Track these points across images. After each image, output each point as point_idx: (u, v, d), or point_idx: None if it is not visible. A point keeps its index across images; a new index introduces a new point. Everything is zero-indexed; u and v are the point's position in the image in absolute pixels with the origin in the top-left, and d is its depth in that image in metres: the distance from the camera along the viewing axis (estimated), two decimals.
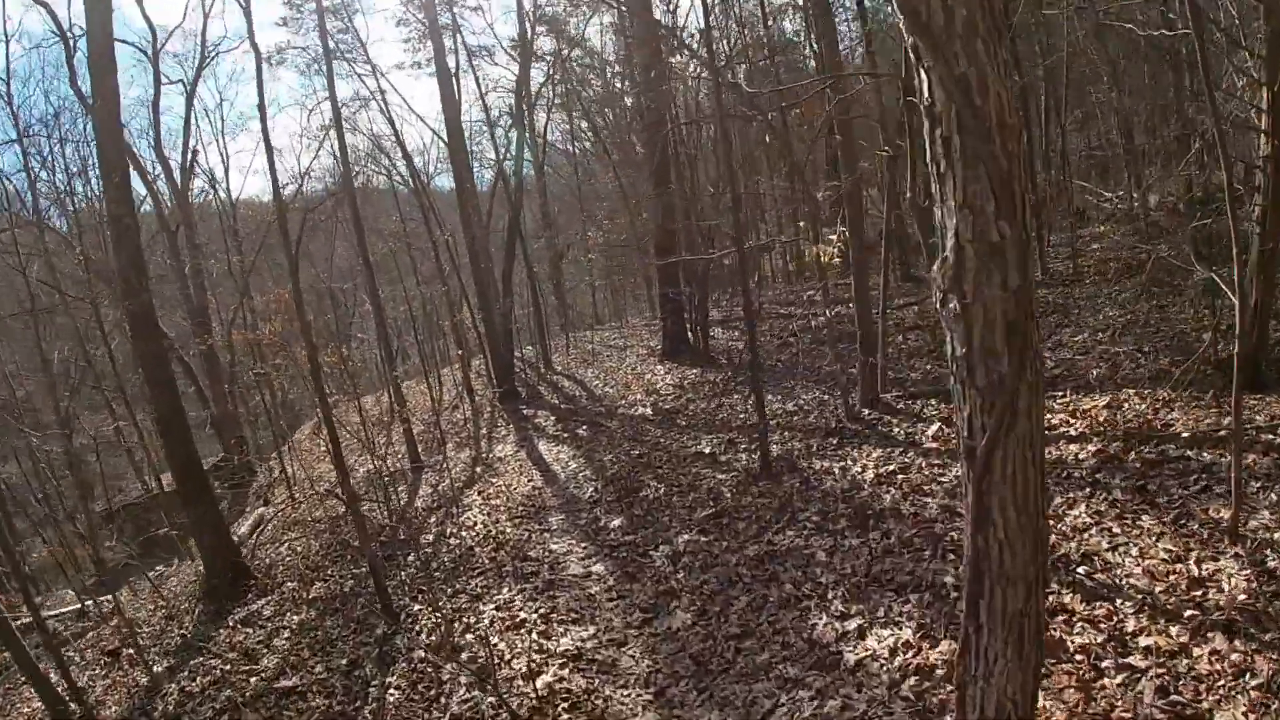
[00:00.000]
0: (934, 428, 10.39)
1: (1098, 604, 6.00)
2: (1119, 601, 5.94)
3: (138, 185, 22.61)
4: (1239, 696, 4.83)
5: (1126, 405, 9.23)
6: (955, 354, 3.36)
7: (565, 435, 16.15)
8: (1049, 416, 9.91)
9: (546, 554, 10.28)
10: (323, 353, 20.07)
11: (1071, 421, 9.51)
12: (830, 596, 7.14)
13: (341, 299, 32.57)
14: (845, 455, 10.40)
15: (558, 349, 24.90)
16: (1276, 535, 6.14)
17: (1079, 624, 5.87)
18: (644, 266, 27.33)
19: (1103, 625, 5.76)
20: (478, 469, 15.91)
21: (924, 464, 9.48)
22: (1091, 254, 17.91)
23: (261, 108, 10.93)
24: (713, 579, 8.15)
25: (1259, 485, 6.64)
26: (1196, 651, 5.23)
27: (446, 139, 20.31)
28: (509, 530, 11.52)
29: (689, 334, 19.15)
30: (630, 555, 9.43)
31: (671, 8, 21.68)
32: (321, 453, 22.75)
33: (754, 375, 10.80)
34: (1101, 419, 9.20)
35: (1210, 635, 5.31)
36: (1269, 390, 8.48)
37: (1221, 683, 4.97)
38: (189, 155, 25.42)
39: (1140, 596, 5.94)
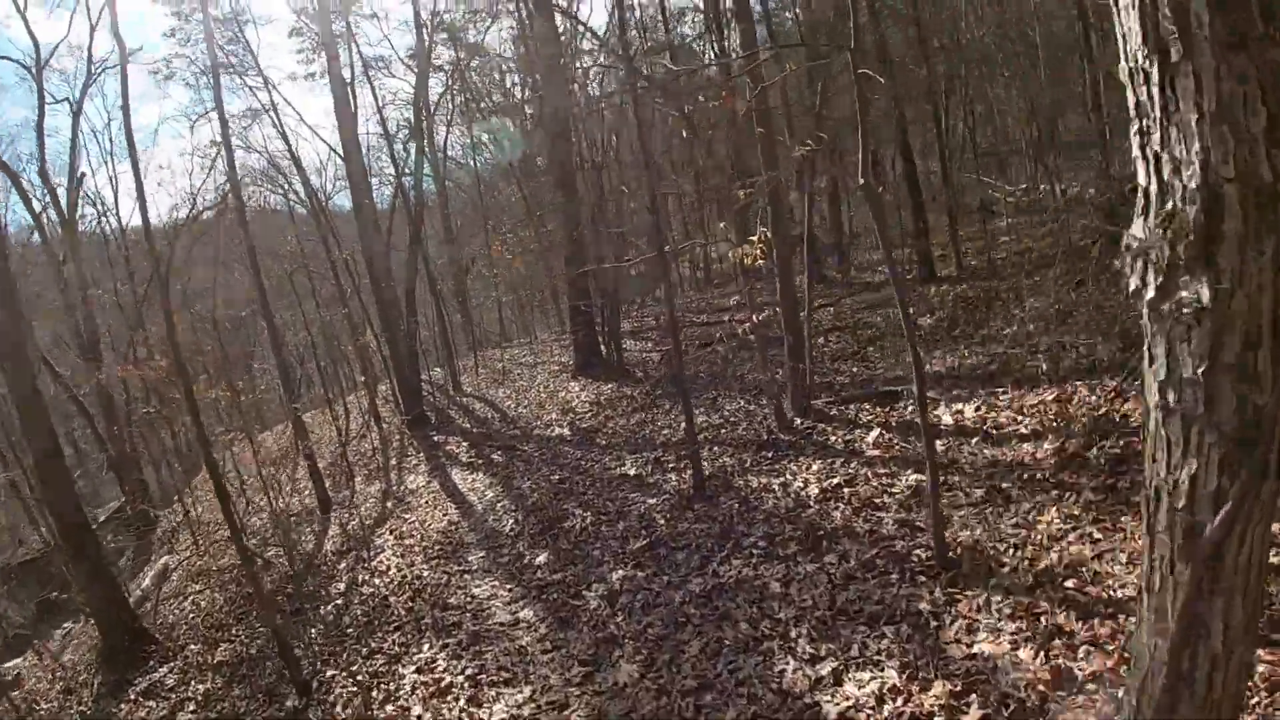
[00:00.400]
0: (874, 434, 9.66)
1: (1098, 622, 5.28)
2: (1121, 617, 5.24)
3: (24, 213, 20.68)
4: None
5: (1076, 399, 8.65)
6: (1174, 375, 2.29)
7: (480, 462, 14.99)
8: (994, 414, 9.29)
9: (469, 600, 9.15)
10: (215, 387, 18.50)
11: (1020, 419, 8.91)
12: (794, 635, 6.23)
13: (238, 327, 30.63)
14: (783, 469, 9.57)
15: (466, 369, 23.63)
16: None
17: (1082, 648, 5.12)
18: (552, 279, 26.31)
19: (1110, 647, 5.04)
20: (389, 504, 14.63)
21: (869, 474, 8.71)
22: (1002, 246, 17.68)
23: (125, 108, 9.51)
24: (657, 621, 7.17)
25: None
26: None
27: (343, 154, 18.92)
28: (426, 574, 10.34)
29: (602, 347, 18.21)
30: (561, 597, 8.37)
31: (573, 9, 20.82)
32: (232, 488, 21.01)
33: (681, 388, 9.88)
34: (1053, 414, 8.62)
35: None
36: None
37: (1257, 699, 4.34)
38: (76, 179, 23.25)
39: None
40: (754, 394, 12.88)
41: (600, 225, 16.40)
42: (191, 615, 13.01)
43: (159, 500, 25.30)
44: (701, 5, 20.78)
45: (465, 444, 16.54)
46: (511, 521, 11.27)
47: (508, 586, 9.22)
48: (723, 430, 11.66)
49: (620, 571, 8.35)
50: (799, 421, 10.81)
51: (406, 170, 22.70)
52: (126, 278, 25.51)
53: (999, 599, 5.85)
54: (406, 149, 22.84)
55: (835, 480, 8.78)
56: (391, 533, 12.71)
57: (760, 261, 9.14)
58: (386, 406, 22.60)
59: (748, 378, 13.61)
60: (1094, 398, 8.51)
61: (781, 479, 9.29)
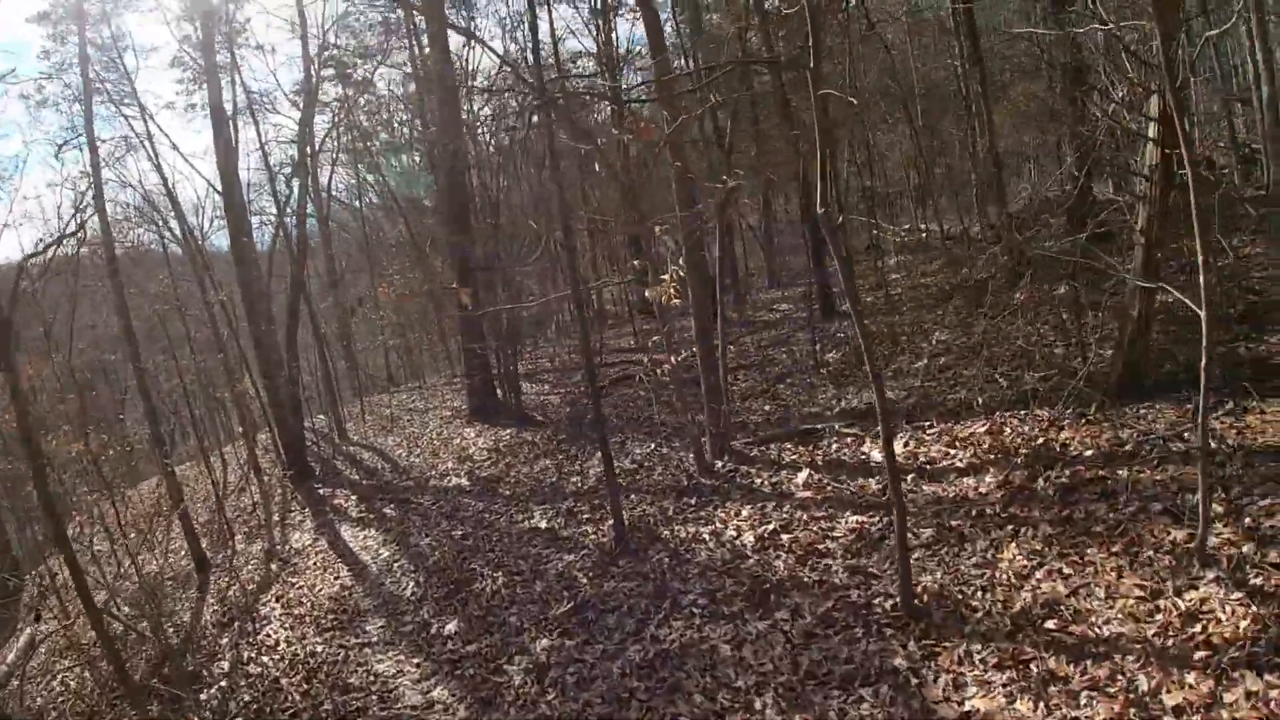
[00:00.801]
0: (803, 475, 9.08)
1: (1091, 664, 4.78)
2: (1117, 657, 4.78)
3: None
4: None
5: (1009, 429, 8.27)
6: None
7: (371, 517, 13.76)
8: (924, 449, 8.84)
9: (371, 679, 8.05)
10: (75, 442, 16.59)
11: (953, 452, 8.46)
12: (759, 706, 5.49)
13: (108, 372, 28.10)
14: (711, 516, 8.87)
15: (352, 416, 22.14)
16: (1245, 548, 5.23)
17: (1084, 693, 4.59)
18: (441, 321, 25.14)
19: (1112, 690, 4.56)
20: (273, 566, 13.22)
21: (806, 518, 8.11)
22: (895, 283, 17.67)
23: None
24: (596, 699, 6.30)
25: (1195, 498, 5.58)
26: (1230, 697, 4.23)
27: (221, 188, 17.34)
28: (320, 648, 9.15)
29: (497, 391, 17.22)
30: (479, 672, 7.38)
31: (468, 45, 19.94)
32: (100, 552, 18.85)
33: (599, 432, 9.08)
34: (986, 446, 8.20)
35: (1237, 675, 4.33)
36: (1153, 398, 7.73)
37: None
38: None
39: (1135, 646, 4.83)
40: (665, 437, 12.18)
41: (496, 264, 15.49)
42: (61, 698, 11.28)
43: (25, 562, 22.59)
44: (595, 49, 20.34)
45: (354, 497, 15.22)
46: (412, 584, 10.18)
47: (415, 661, 8.16)
48: (638, 476, 10.90)
49: (545, 640, 7.43)
50: (720, 464, 10.15)
51: (289, 209, 21.26)
52: None
53: (979, 648, 5.30)
54: (290, 185, 21.38)
55: (770, 526, 8.13)
56: (278, 600, 11.37)
57: (675, 300, 8.50)
58: (267, 457, 20.87)
59: (657, 420, 12.89)
60: (1026, 428, 8.15)
61: (711, 527, 8.58)
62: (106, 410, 25.41)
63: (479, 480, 13.41)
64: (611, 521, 9.20)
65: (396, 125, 25.84)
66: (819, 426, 10.41)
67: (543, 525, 10.38)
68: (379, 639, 8.97)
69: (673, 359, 8.97)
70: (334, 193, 28.36)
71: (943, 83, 20.72)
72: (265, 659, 9.29)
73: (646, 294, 8.54)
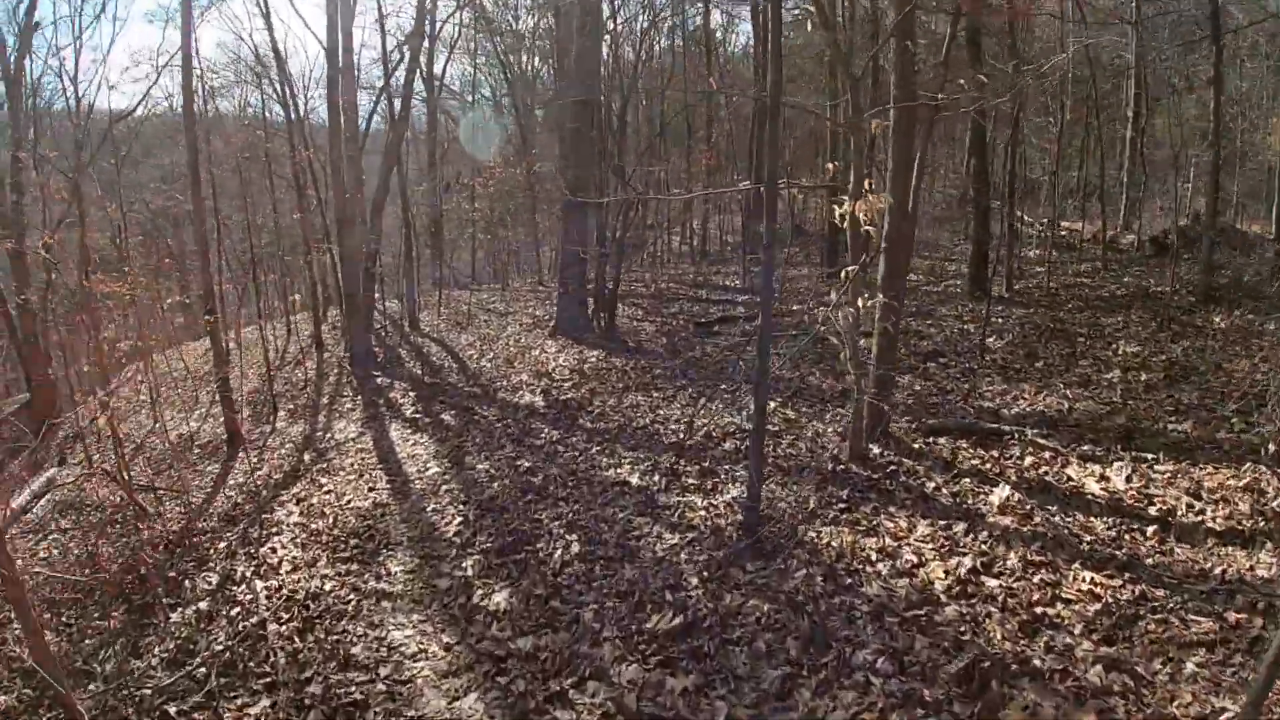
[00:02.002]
0: (1000, 493, 6.35)
1: None
2: None
3: None
4: None
5: (1271, 489, 5.63)
6: None
7: (426, 421, 11.35)
8: (1157, 490, 6.12)
9: (381, 653, 5.56)
10: (134, 288, 14.58)
11: (1199, 504, 5.91)
12: None
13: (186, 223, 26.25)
14: (873, 524, 6.19)
15: (428, 306, 19.76)
16: None
17: None
18: (535, 222, 22.66)
19: None
20: (306, 456, 10.94)
21: (1015, 560, 5.40)
22: (1034, 275, 14.80)
23: None
24: None
25: None
26: None
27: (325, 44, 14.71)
28: (329, 586, 6.71)
29: (588, 306, 14.65)
30: (531, 689, 4.83)
31: None
32: (142, 401, 17.06)
33: (760, 379, 6.29)
34: (1246, 508, 5.63)
35: None
36: None
37: None
38: (29, 22, 18.17)
39: None
40: (790, 395, 9.52)
41: (625, 162, 12.77)
42: (39, 565, 9.24)
43: (66, 403, 21.04)
44: None
45: (412, 394, 12.86)
46: (459, 520, 7.70)
47: (444, 639, 5.66)
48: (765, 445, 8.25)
49: (633, 666, 4.81)
50: (876, 450, 7.44)
51: (396, 80, 18.69)
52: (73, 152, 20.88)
53: None
54: (401, 51, 18.77)
55: (965, 561, 5.43)
56: (298, 503, 9.03)
57: (869, 226, 5.80)
58: (333, 334, 18.77)
59: (787, 377, 10.22)
60: None
61: (876, 540, 5.89)
62: (176, 260, 23.57)
63: (556, 403, 10.90)
64: (734, 496, 6.62)
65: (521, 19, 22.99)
66: (1004, 429, 7.64)
67: (634, 481, 7.78)
68: (403, 590, 6.53)
69: (860, 303, 6.20)
70: (446, 81, 25.95)
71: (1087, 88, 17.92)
72: (259, 584, 6.90)
73: (838, 211, 5.79)
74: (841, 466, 7.27)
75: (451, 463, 9.45)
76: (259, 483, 10.03)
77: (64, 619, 7.14)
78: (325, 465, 10.28)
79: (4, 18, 22.30)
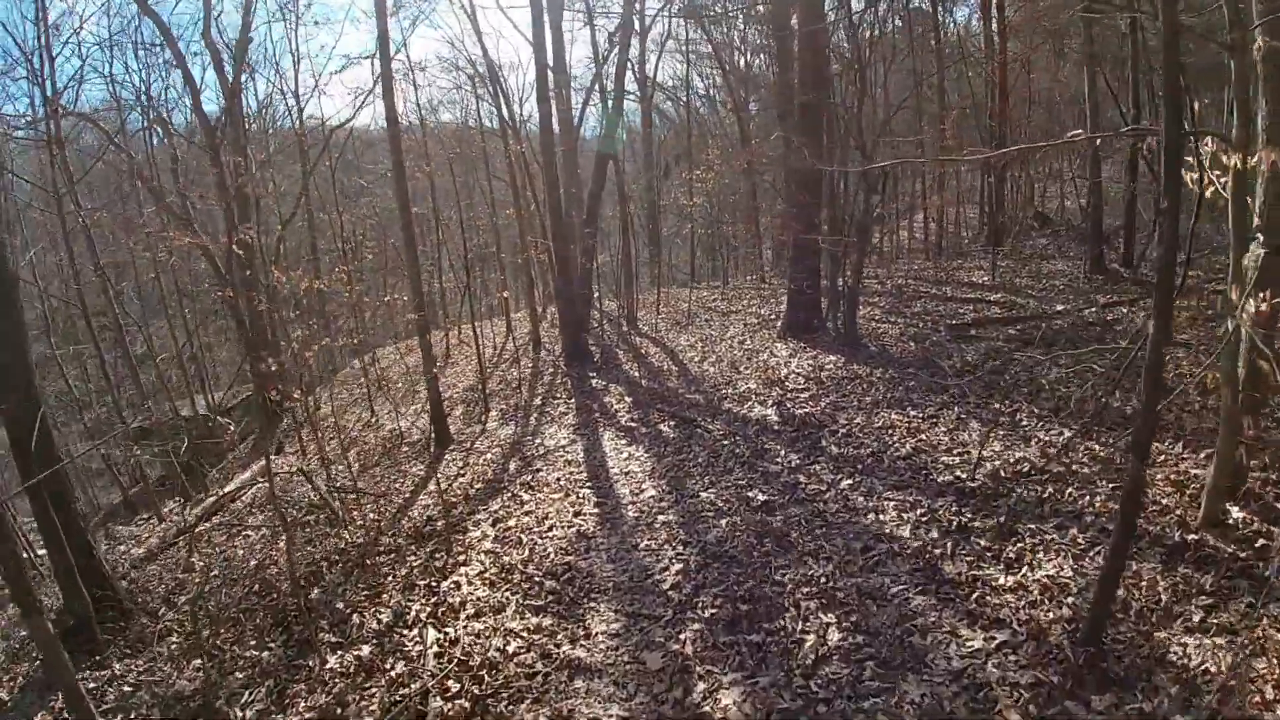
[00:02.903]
0: None
1: None
2: None
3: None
4: None
5: None
6: None
7: (643, 431, 9.82)
8: None
9: None
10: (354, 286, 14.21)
11: None
12: None
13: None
14: (1259, 635, 3.84)
15: (645, 305, 18.44)
16: None
17: None
18: (755, 218, 20.74)
19: None
20: (511, 465, 9.71)
21: None
22: None
23: None
24: None
25: None
26: None
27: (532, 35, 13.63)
28: (512, 650, 5.19)
29: (823, 305, 12.59)
30: None
31: None
32: (361, 394, 16.98)
33: (1148, 409, 4.26)
34: None
35: None
36: None
37: None
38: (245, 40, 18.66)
39: None
40: (1103, 427, 7.06)
41: (867, 134, 10.62)
42: (220, 568, 8.61)
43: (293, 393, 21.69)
44: None
45: (629, 399, 11.40)
46: (678, 569, 5.99)
47: None
48: (1049, 485, 5.95)
49: None
50: (1234, 512, 4.97)
51: (608, 73, 17.47)
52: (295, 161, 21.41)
53: None
54: (611, 42, 17.54)
55: None
56: (494, 524, 7.70)
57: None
58: (552, 333, 17.89)
59: (1066, 396, 7.73)
60: None
61: (1266, 663, 3.57)
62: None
63: (791, 419, 8.99)
64: (1050, 576, 4.49)
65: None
66: None
67: (904, 535, 5.76)
68: (603, 662, 4.91)
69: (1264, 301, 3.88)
70: (659, 80, 24.71)
71: None
72: (431, 634, 5.54)
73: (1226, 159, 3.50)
74: (1190, 538, 4.87)
75: (670, 486, 7.80)
76: (458, 494, 8.89)
77: (221, 638, 6.16)
78: (530, 478, 8.96)
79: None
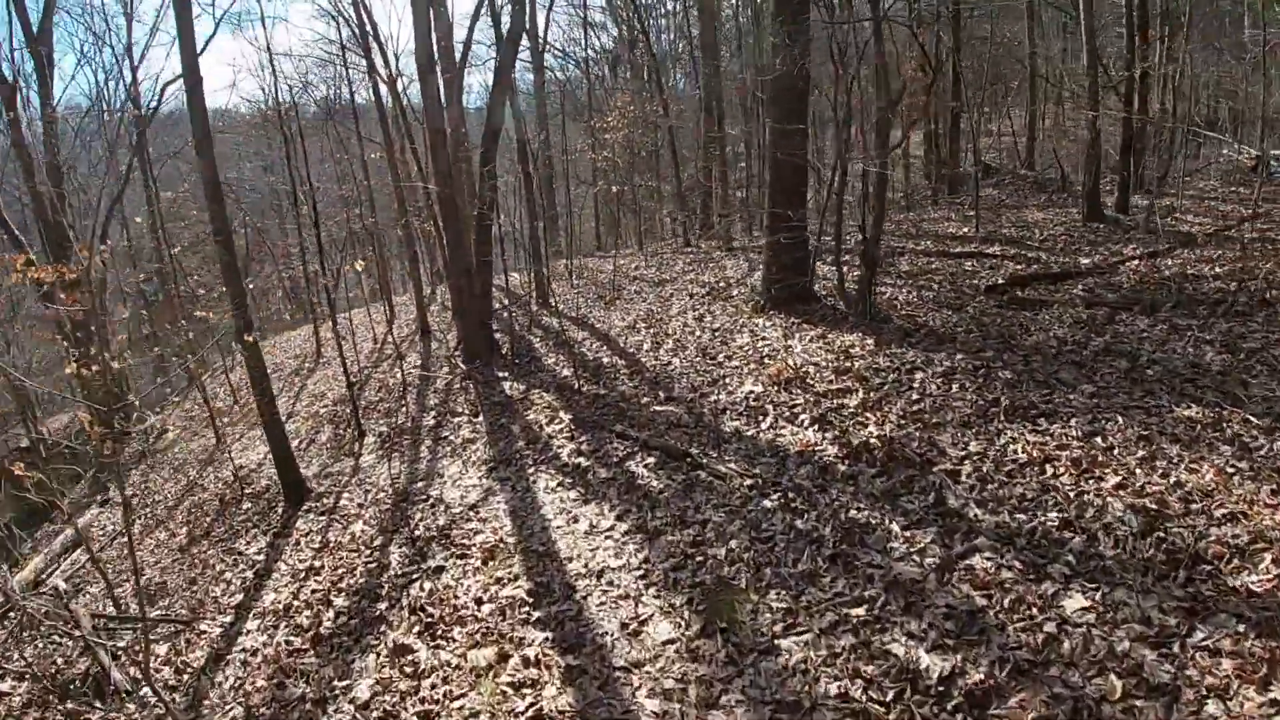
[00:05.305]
0: None
1: None
2: None
3: None
4: None
5: None
6: None
7: (603, 475, 5.77)
8: None
9: None
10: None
11: None
12: None
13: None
14: None
15: (556, 278, 14.14)
16: None
17: None
18: (676, 173, 16.89)
19: None
20: (394, 555, 5.51)
21: None
22: None
23: None
24: None
25: None
26: None
27: None
28: None
29: (812, 267, 8.81)
30: None
31: None
32: (218, 409, 12.25)
33: None
34: None
35: None
36: None
37: None
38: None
39: None
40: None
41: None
42: None
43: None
44: None
45: (565, 415, 7.30)
46: None
47: None
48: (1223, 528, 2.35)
49: None
50: None
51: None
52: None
53: None
54: None
55: None
56: (379, 692, 3.64)
57: None
58: (444, 318, 13.53)
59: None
60: None
61: None
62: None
63: (860, 449, 5.10)
64: None
65: None
66: None
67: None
68: None
69: None
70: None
71: None
72: None
73: None
74: None
75: (696, 612, 3.87)
76: (304, 631, 4.69)
77: None
78: (426, 592, 4.78)
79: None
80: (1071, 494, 4.08)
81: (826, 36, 8.25)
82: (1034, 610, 3.30)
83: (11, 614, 6.32)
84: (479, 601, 4.46)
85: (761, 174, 16.03)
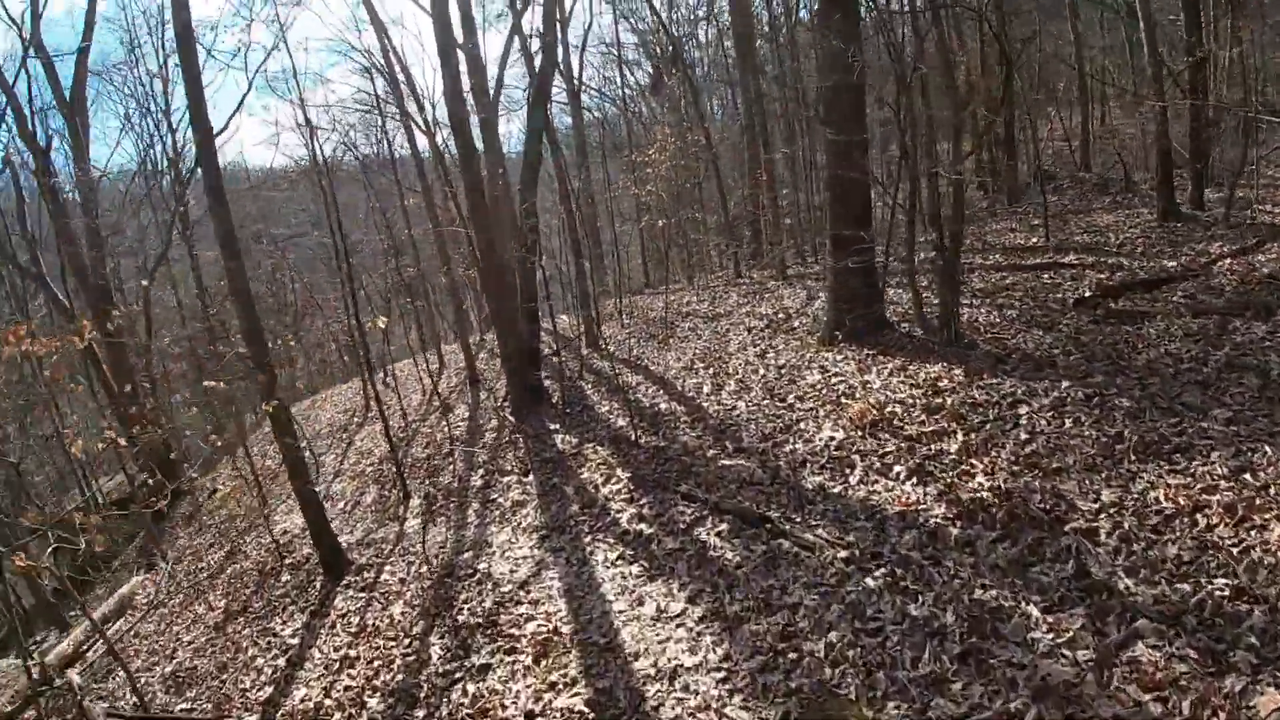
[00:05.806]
0: None
1: None
2: None
3: None
4: None
5: None
6: None
7: (669, 545, 5.00)
8: None
9: None
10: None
11: None
12: None
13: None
14: None
15: (604, 318, 13.42)
16: None
17: None
18: (724, 202, 16.15)
19: None
20: (435, 647, 4.81)
21: None
22: None
23: None
24: None
25: None
26: None
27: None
28: None
29: (882, 290, 7.97)
30: None
31: None
32: (269, 468, 11.91)
33: None
34: None
35: None
36: None
37: None
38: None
39: None
40: None
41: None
42: None
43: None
44: None
45: (623, 473, 6.56)
46: None
47: None
48: None
49: None
50: None
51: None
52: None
53: None
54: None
55: None
56: None
57: None
58: (492, 365, 12.97)
59: None
60: None
61: None
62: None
63: (970, 506, 4.29)
64: None
65: None
66: None
67: None
68: None
69: None
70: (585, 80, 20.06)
71: None
72: None
73: None
74: None
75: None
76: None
77: None
78: (470, 699, 4.06)
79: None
80: (1236, 551, 3.21)
81: (879, 37, 7.51)
82: (1221, 715, 2.44)
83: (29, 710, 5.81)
84: (530, 717, 3.70)
85: (810, 197, 15.27)
